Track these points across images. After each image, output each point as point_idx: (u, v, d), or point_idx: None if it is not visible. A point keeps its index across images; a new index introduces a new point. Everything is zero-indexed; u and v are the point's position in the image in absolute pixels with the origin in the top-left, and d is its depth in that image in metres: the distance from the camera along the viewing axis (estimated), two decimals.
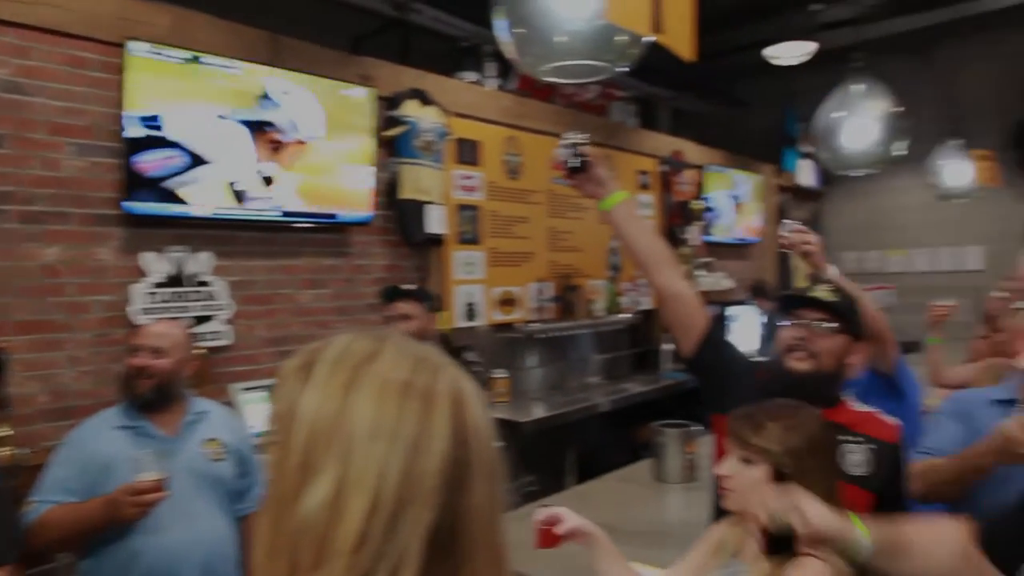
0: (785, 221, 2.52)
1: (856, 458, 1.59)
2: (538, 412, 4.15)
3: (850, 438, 1.59)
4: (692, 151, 6.08)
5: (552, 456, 4.27)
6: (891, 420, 1.68)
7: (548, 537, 1.65)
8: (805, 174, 7.24)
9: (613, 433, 4.43)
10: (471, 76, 4.45)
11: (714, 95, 7.04)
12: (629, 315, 5.22)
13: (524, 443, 3.85)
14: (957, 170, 5.42)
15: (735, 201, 6.51)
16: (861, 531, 1.21)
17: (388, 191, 3.78)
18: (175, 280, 2.99)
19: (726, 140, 6.73)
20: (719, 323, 1.99)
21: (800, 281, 6.77)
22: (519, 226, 4.53)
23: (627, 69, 2.00)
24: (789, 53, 5.07)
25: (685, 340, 1.85)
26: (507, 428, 3.86)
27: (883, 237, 7.11)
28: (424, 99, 3.90)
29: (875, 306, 2.20)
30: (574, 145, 1.76)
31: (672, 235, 5.65)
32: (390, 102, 3.78)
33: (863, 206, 7.18)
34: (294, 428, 0.62)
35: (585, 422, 4.38)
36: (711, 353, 1.84)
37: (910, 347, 3.74)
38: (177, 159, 2.86)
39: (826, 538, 1.21)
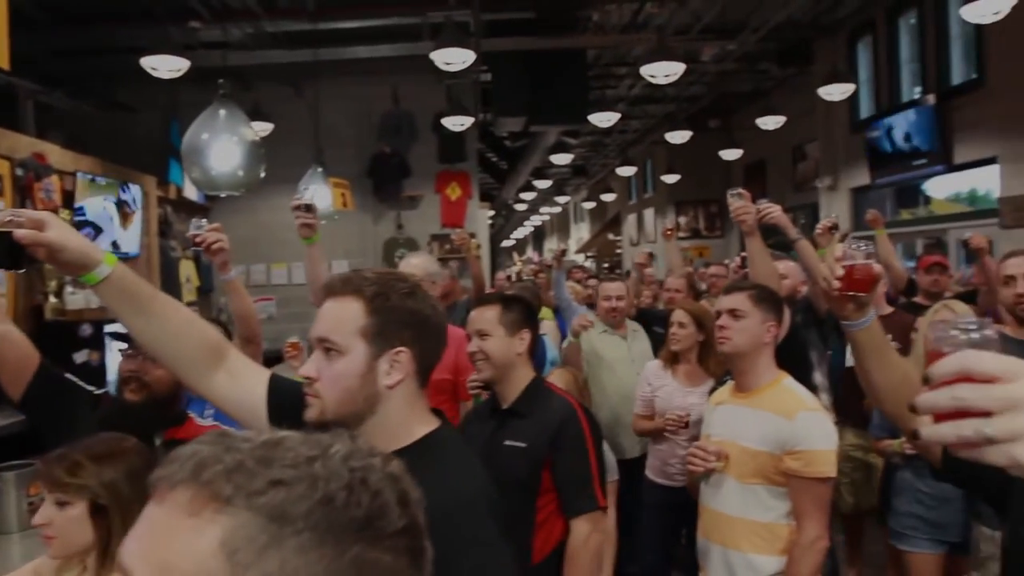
0: (196, 220, 2.55)
1: None
2: None
3: None
4: (60, 155, 5.54)
5: None
6: None
7: None
8: (191, 187, 7.28)
9: None
10: None
11: (90, 95, 6.57)
12: None
13: None
14: (320, 193, 6.16)
15: (118, 212, 6.16)
16: (108, 259, 1.19)
17: None
18: None
19: (106, 145, 6.33)
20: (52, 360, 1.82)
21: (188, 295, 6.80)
22: None
23: None
24: (165, 66, 5.07)
25: (14, 383, 1.76)
26: None
27: (267, 251, 7.60)
28: None
29: (259, 315, 2.41)
30: None
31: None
32: None
33: (248, 221, 7.52)
34: None
35: None
36: (45, 392, 1.78)
37: (279, 357, 3.92)
38: None
39: (53, 245, 1.13)
